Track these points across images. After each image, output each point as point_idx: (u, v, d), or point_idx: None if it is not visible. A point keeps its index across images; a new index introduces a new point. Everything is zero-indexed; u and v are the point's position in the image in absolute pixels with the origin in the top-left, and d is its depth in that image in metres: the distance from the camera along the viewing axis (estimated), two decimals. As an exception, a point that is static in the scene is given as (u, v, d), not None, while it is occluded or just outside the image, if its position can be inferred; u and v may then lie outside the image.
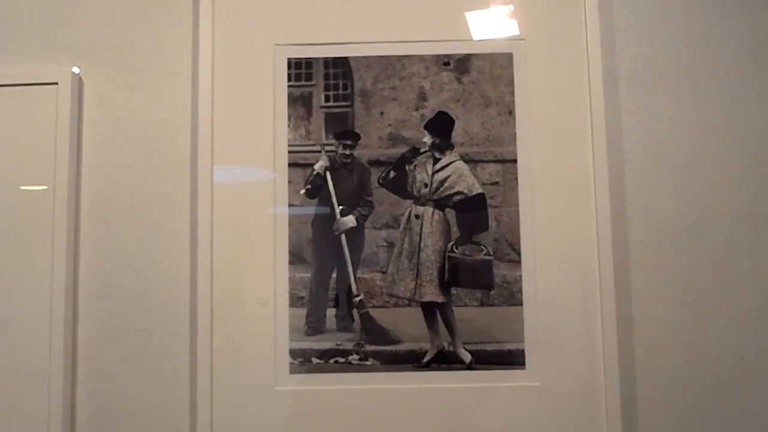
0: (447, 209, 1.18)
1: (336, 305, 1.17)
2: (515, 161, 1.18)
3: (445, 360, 1.15)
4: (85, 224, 1.18)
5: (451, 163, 1.19)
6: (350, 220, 1.18)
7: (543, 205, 1.17)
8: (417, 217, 1.18)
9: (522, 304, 1.15)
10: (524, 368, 1.14)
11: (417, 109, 1.19)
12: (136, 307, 1.16)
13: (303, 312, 1.16)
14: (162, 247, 1.17)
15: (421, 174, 1.19)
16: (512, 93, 1.19)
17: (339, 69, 1.20)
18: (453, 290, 1.16)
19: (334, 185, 1.19)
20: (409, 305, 1.17)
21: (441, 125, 1.19)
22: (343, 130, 1.19)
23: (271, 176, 1.18)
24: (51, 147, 1.16)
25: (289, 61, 1.20)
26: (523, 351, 1.15)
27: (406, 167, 1.19)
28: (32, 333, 1.13)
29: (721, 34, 1.21)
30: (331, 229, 1.18)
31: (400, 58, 1.20)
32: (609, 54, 1.20)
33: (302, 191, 1.18)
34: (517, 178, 1.17)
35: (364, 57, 1.20)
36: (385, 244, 1.18)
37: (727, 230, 1.17)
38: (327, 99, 1.20)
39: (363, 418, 1.14)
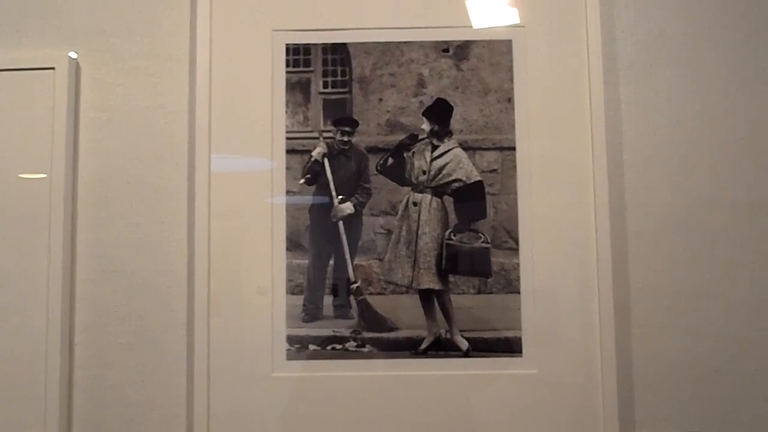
0: (445, 196, 1.18)
1: (333, 292, 1.17)
2: (514, 149, 1.17)
3: (442, 347, 1.15)
4: (82, 211, 1.18)
5: (449, 150, 1.18)
6: (348, 207, 1.18)
7: (541, 193, 1.16)
8: (415, 204, 1.18)
9: (519, 292, 1.15)
10: (521, 356, 1.14)
11: (416, 96, 1.19)
12: (134, 294, 1.16)
13: (300, 299, 1.16)
14: (159, 234, 1.17)
15: (420, 161, 1.19)
16: (511, 80, 1.18)
17: (337, 55, 1.20)
18: (450, 278, 1.16)
19: (332, 172, 1.18)
20: (407, 292, 1.16)
21: (440, 112, 1.18)
22: (341, 116, 1.19)
23: (268, 162, 1.18)
24: (48, 133, 1.16)
25: (288, 47, 1.19)
26: (520, 339, 1.15)
27: (405, 154, 1.19)
28: (30, 319, 1.13)
29: (721, 23, 1.20)
30: (328, 216, 1.18)
31: (399, 45, 1.19)
32: (609, 42, 1.19)
33: (302, 180, 1.18)
34: (515, 166, 1.17)
35: (363, 43, 1.19)
36: (382, 231, 1.17)
37: (726, 220, 1.17)
38: (325, 85, 1.19)
39: (360, 404, 1.14)
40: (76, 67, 1.19)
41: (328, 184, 1.18)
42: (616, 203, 1.16)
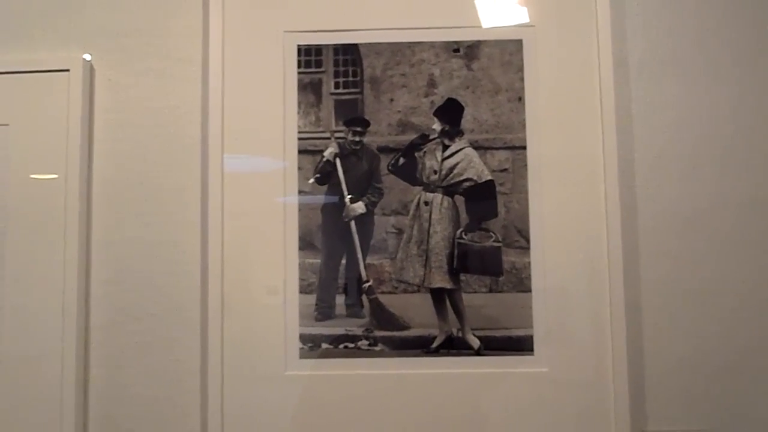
0: (456, 196, 1.19)
1: (345, 291, 1.17)
2: (524, 148, 1.18)
3: (454, 346, 1.16)
4: (96, 212, 1.19)
5: (460, 149, 1.19)
6: (360, 207, 1.19)
7: (552, 192, 1.17)
8: (426, 203, 1.18)
9: (531, 291, 1.15)
10: (532, 354, 1.15)
11: (426, 96, 1.19)
12: (148, 294, 1.17)
13: (313, 298, 1.17)
14: (173, 234, 1.18)
15: (431, 161, 1.19)
16: (522, 80, 1.19)
17: (349, 56, 1.20)
18: (462, 276, 1.17)
19: (343, 172, 1.19)
20: (418, 291, 1.17)
21: (450, 112, 1.19)
22: (352, 116, 1.20)
23: (281, 163, 1.18)
24: (63, 134, 1.17)
25: (299, 48, 1.20)
26: (531, 337, 1.15)
27: (416, 154, 1.19)
28: (45, 319, 1.14)
29: (731, 21, 1.20)
30: (340, 216, 1.19)
31: (409, 45, 1.20)
32: (619, 41, 1.19)
33: (312, 179, 1.19)
34: (526, 165, 1.17)
35: (374, 44, 1.20)
36: (394, 230, 1.18)
37: (736, 218, 1.17)
38: (337, 86, 1.20)
39: (372, 402, 1.15)
40: (90, 69, 1.20)
41: (339, 184, 1.19)
42: (626, 201, 1.16)
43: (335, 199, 1.19)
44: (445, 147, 1.19)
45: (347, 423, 1.15)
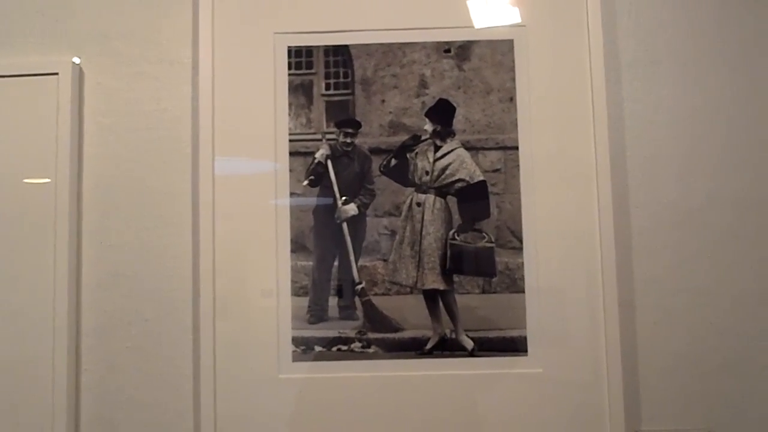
0: (448, 197, 1.18)
1: (338, 293, 1.17)
2: (517, 148, 1.17)
3: (448, 347, 1.15)
4: (87, 216, 1.18)
5: (452, 150, 1.18)
6: (352, 209, 1.18)
7: (545, 192, 1.17)
8: (418, 204, 1.18)
9: (524, 291, 1.15)
10: (526, 355, 1.14)
11: (418, 97, 1.19)
12: (139, 298, 1.17)
13: (306, 300, 1.16)
14: (164, 238, 1.17)
15: (423, 162, 1.19)
16: (513, 80, 1.18)
17: (339, 57, 1.20)
18: (455, 277, 1.16)
19: (335, 173, 1.19)
20: (411, 293, 1.17)
21: (442, 112, 1.18)
22: (344, 118, 1.19)
23: (272, 165, 1.18)
24: (52, 138, 1.16)
25: (290, 50, 1.20)
26: (525, 338, 1.15)
27: (408, 155, 1.19)
28: (37, 323, 1.14)
29: (723, 20, 1.20)
30: (332, 218, 1.18)
31: (400, 46, 1.19)
32: (610, 40, 1.19)
33: (305, 182, 1.18)
34: (518, 165, 1.17)
35: (365, 45, 1.19)
36: (386, 232, 1.18)
37: (729, 217, 1.17)
38: (328, 87, 1.20)
39: (366, 405, 1.14)
40: (79, 73, 1.19)
41: (331, 186, 1.19)
42: (619, 201, 1.16)
43: (327, 200, 1.19)
44: (437, 148, 1.19)
45: (341, 426, 1.14)
